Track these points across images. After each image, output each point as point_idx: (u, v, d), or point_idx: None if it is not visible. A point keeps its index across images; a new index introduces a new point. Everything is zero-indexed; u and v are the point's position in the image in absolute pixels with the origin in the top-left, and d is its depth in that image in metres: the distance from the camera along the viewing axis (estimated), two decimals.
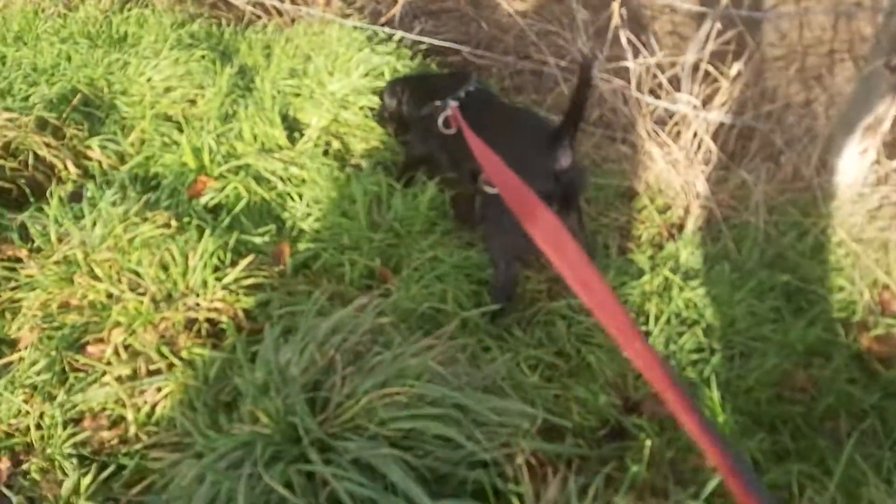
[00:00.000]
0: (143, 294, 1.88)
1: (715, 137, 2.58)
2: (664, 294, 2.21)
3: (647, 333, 2.12)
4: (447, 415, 1.43)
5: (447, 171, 2.36)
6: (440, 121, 2.20)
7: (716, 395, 1.83)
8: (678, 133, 2.62)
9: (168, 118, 2.61)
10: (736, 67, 2.44)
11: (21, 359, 1.77)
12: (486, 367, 1.61)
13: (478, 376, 1.53)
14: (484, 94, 2.33)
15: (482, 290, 2.12)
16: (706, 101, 2.57)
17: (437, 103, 2.23)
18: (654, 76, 2.66)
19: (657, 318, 2.13)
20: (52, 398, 1.69)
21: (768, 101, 2.78)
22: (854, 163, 2.35)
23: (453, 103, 2.20)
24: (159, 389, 1.71)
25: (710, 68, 2.53)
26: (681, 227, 2.50)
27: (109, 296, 1.91)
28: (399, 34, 3.05)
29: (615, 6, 2.75)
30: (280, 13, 3.30)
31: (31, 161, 2.30)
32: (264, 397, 1.48)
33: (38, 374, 1.72)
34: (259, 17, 3.43)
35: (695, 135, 2.56)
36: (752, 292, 2.20)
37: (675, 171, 2.59)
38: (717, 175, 2.57)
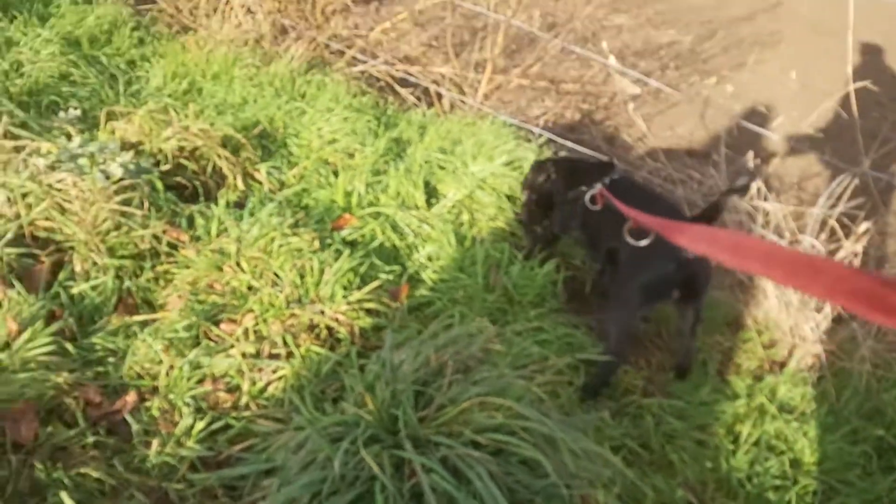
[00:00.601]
0: (280, 292, 2.08)
1: None
2: (757, 420, 2.23)
3: (733, 452, 2.14)
4: (538, 444, 1.51)
5: (587, 250, 2.54)
6: (587, 198, 2.39)
7: None
8: None
9: (327, 163, 2.91)
10: (864, 225, 2.52)
11: (165, 317, 1.99)
12: (578, 416, 1.69)
13: (573, 419, 1.61)
14: (627, 181, 2.52)
15: (581, 367, 2.20)
16: (831, 253, 2.63)
17: (584, 188, 2.42)
18: (780, 220, 2.77)
19: (746, 439, 2.15)
20: (183, 355, 1.88)
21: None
22: None
23: (599, 186, 2.39)
24: (275, 371, 1.87)
25: (835, 224, 2.62)
26: (782, 365, 2.52)
27: (250, 287, 2.13)
28: (547, 135, 3.32)
29: (750, 155, 2.95)
30: (440, 98, 3.65)
31: (209, 169, 2.62)
32: (373, 388, 1.61)
33: (178, 332, 1.92)
34: (417, 106, 3.80)
35: None
36: (844, 438, 2.19)
37: (786, 312, 2.63)
38: (828, 324, 2.59)
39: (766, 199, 2.84)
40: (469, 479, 1.45)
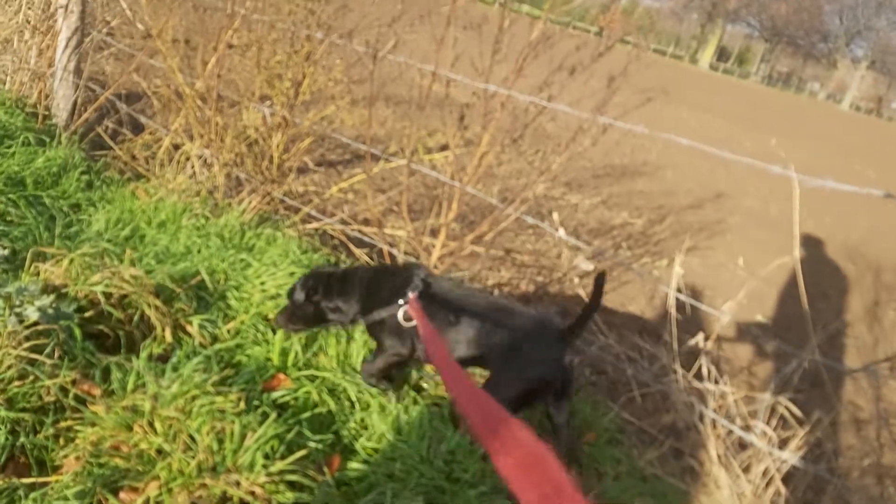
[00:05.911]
0: (193, 458, 1.88)
1: (786, 480, 2.49)
2: None
3: None
4: None
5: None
6: (400, 315, 2.31)
7: None
8: (748, 466, 2.55)
9: (266, 318, 2.78)
10: (817, 414, 2.44)
11: (58, 481, 1.75)
12: None
13: None
14: (443, 280, 2.48)
15: None
16: (784, 441, 2.53)
17: (400, 302, 2.33)
18: (732, 405, 2.68)
19: None
20: None
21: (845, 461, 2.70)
22: None
23: (412, 294, 2.29)
24: None
25: (786, 411, 2.53)
26: None
27: (160, 451, 1.92)
28: None
29: (700, 337, 2.90)
30: (394, 260, 3.60)
31: (136, 318, 2.46)
32: None
33: (68, 500, 1.69)
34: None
35: (765, 471, 2.48)
36: None
37: (739, 503, 2.47)
38: None
39: (716, 382, 2.77)
40: None
